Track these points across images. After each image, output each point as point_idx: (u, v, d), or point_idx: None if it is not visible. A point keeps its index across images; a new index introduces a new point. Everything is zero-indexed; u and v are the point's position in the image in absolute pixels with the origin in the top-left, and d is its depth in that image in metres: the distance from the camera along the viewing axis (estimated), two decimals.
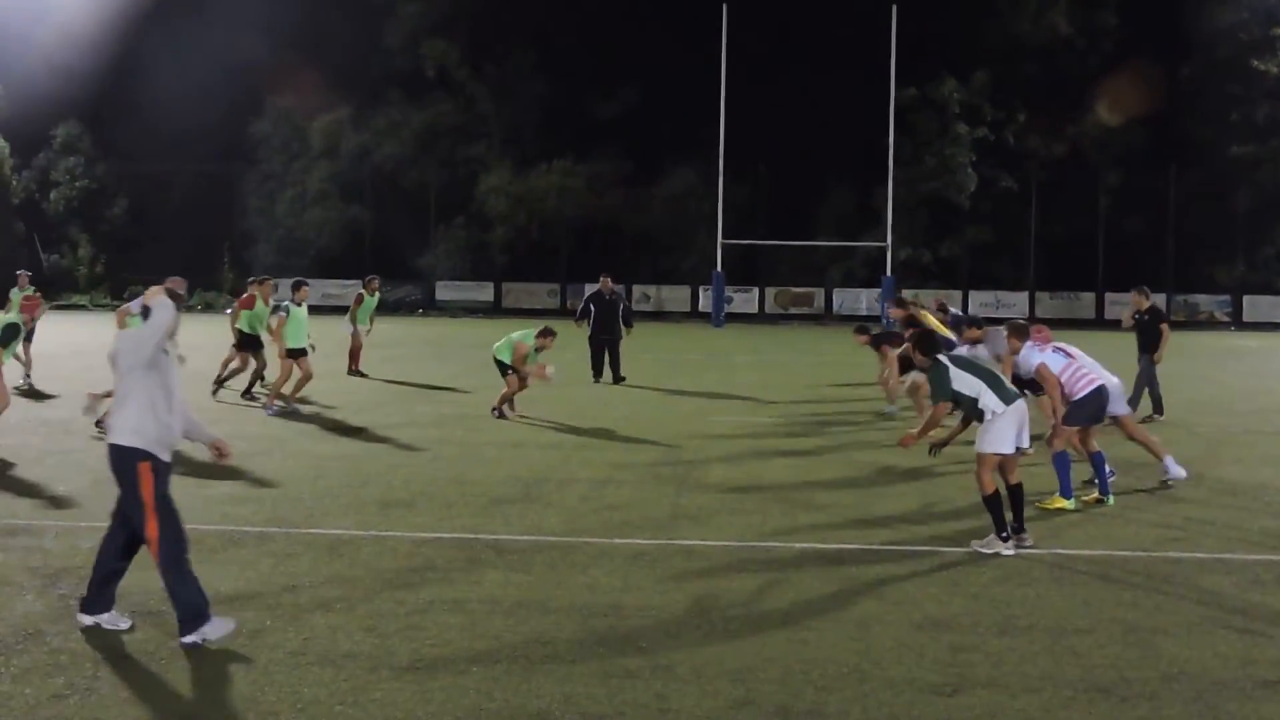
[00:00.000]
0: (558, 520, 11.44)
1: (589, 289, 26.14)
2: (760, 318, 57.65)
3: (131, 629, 7.81)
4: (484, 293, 62.51)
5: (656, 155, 62.37)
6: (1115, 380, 13.12)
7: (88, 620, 7.83)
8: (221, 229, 65.79)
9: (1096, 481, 12.67)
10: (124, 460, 7.63)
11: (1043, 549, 10.47)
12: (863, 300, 57.12)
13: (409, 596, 8.73)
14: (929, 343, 11.27)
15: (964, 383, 10.65)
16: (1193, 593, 9.18)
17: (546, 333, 18.89)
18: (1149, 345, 19.94)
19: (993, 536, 10.46)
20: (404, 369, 25.63)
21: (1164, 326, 19.98)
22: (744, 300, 58.60)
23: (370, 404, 20.52)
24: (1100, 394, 12.61)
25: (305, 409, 19.78)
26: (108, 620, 7.82)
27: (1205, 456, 16.06)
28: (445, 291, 62.61)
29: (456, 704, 6.73)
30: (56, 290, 63.48)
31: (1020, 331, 13.18)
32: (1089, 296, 61.39)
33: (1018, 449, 10.73)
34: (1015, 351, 13.07)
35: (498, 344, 19.19)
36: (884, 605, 8.70)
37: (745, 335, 45.00)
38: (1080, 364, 12.72)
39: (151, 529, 7.56)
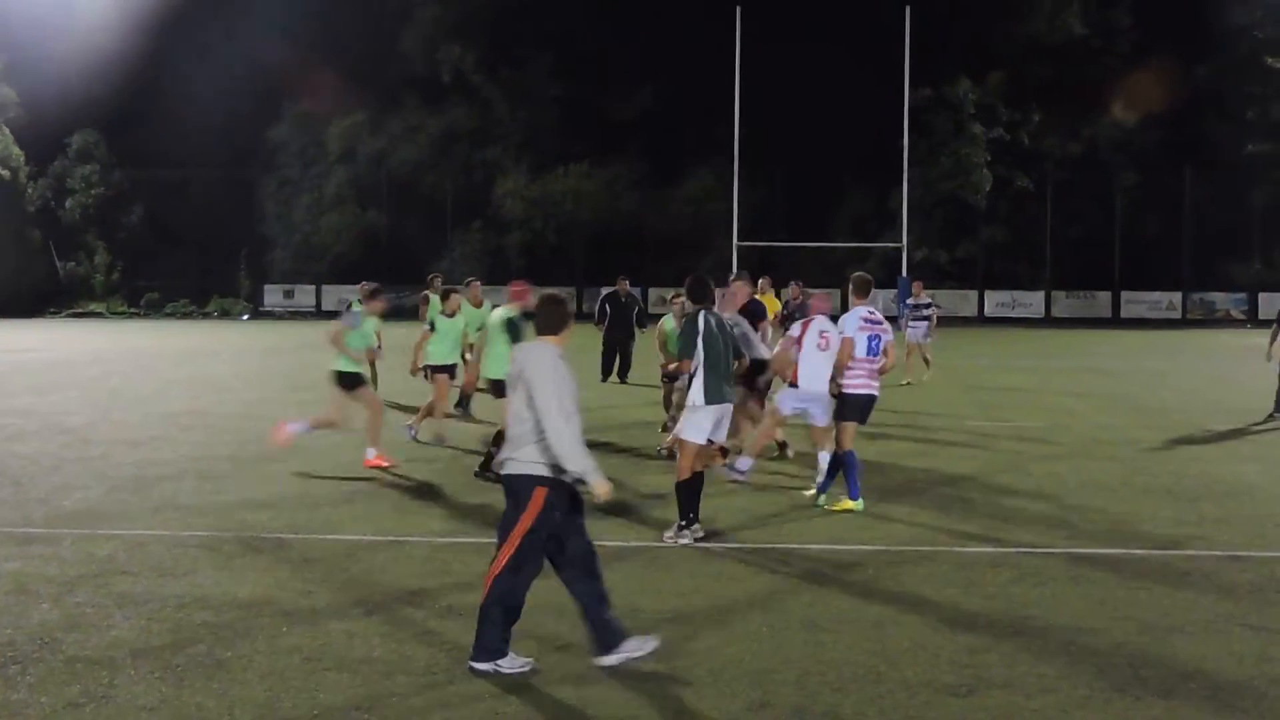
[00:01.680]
0: None
1: (605, 291, 26.42)
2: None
3: (654, 652, 7.39)
4: (501, 297, 62.37)
5: (673, 158, 62.43)
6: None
7: (611, 660, 7.32)
8: (238, 235, 66.03)
9: (819, 482, 12.38)
10: (524, 485, 7.29)
11: (1058, 548, 10.46)
12: (879, 300, 57.10)
13: (426, 602, 8.75)
14: (697, 289, 11.12)
15: (697, 355, 10.68)
16: (1208, 591, 9.16)
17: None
18: None
19: (677, 526, 10.51)
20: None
21: None
22: None
23: (386, 409, 20.51)
24: (874, 401, 12.22)
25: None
26: (634, 646, 7.36)
27: (1221, 455, 16.04)
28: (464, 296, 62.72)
29: (473, 709, 6.74)
30: (73, 298, 63.83)
31: (860, 288, 12.43)
32: (1105, 296, 61.27)
33: (709, 440, 10.77)
34: (852, 307, 12.33)
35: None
36: (900, 607, 8.69)
37: None
38: (874, 365, 12.13)
39: (505, 555, 7.26)
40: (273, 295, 64.81)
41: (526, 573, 7.32)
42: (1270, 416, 19.56)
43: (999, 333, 50.15)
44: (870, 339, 12.08)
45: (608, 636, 7.36)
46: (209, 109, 61.04)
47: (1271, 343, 20.33)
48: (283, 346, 38.64)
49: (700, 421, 10.66)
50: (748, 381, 14.34)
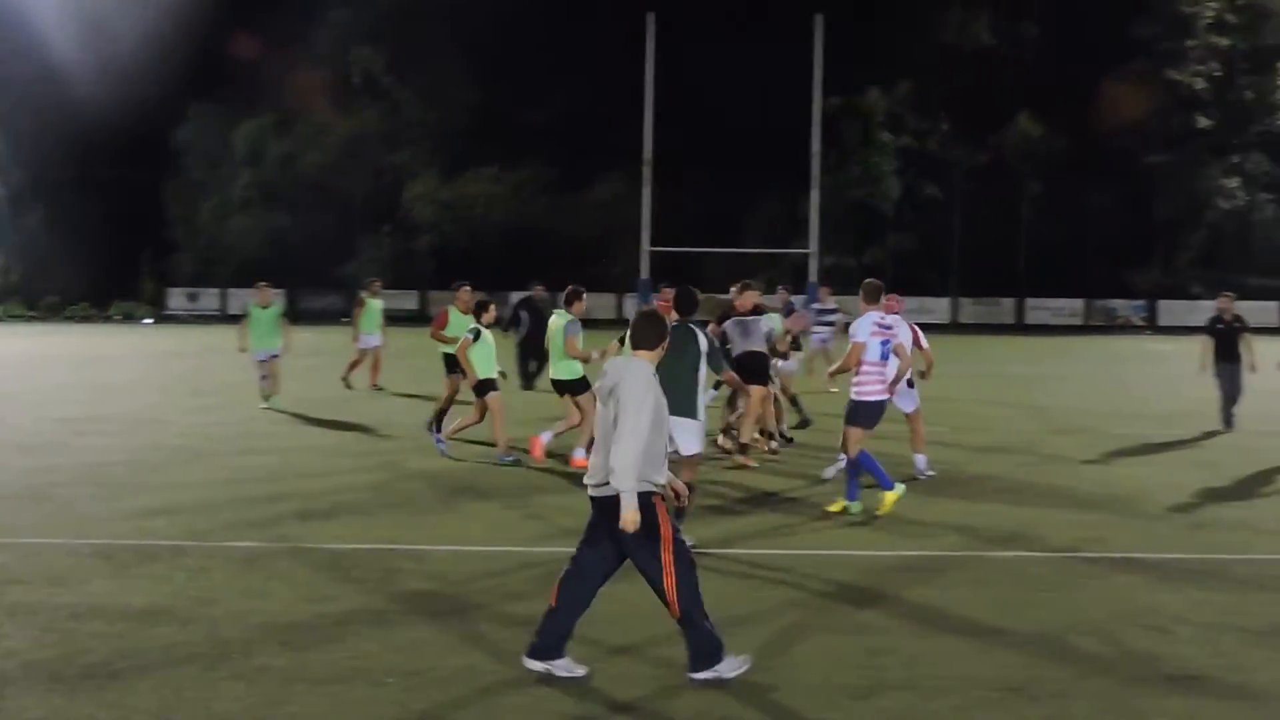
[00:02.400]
0: (480, 530, 11.40)
1: (514, 297, 26.04)
2: None
3: (588, 676, 7.20)
4: (409, 301, 62.02)
5: (584, 162, 62.43)
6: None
7: (538, 666, 7.21)
8: (141, 238, 64.93)
9: (847, 483, 12.39)
10: (645, 504, 7.10)
11: (960, 551, 10.59)
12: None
13: (326, 609, 8.65)
14: (684, 302, 11.18)
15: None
16: (1104, 592, 9.31)
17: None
18: (1234, 353, 19.44)
19: None
20: (326, 378, 25.43)
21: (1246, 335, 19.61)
22: None
23: (290, 415, 20.30)
24: (884, 407, 12.37)
25: (228, 420, 19.56)
26: (563, 666, 7.22)
27: (1120, 459, 16.33)
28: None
29: (373, 715, 6.68)
30: None
31: (870, 294, 12.47)
32: (1009, 302, 62.21)
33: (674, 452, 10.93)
34: (862, 313, 12.41)
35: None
36: (802, 610, 8.73)
37: None
38: (885, 370, 12.28)
39: (670, 569, 7.12)
40: (177, 299, 63.83)
41: (690, 569, 7.22)
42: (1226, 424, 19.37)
43: None
44: (883, 344, 12.25)
45: (551, 647, 7.25)
46: (111, 109, 59.96)
47: (1203, 356, 19.84)
48: (185, 350, 38.09)
49: None
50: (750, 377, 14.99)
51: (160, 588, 9.18)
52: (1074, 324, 60.40)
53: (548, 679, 7.15)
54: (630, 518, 7.00)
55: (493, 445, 15.70)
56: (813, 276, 52.53)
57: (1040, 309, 61.79)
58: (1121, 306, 61.60)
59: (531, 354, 24.49)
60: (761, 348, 15.64)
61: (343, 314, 59.50)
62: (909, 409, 14.51)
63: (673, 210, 58.64)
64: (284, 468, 14.90)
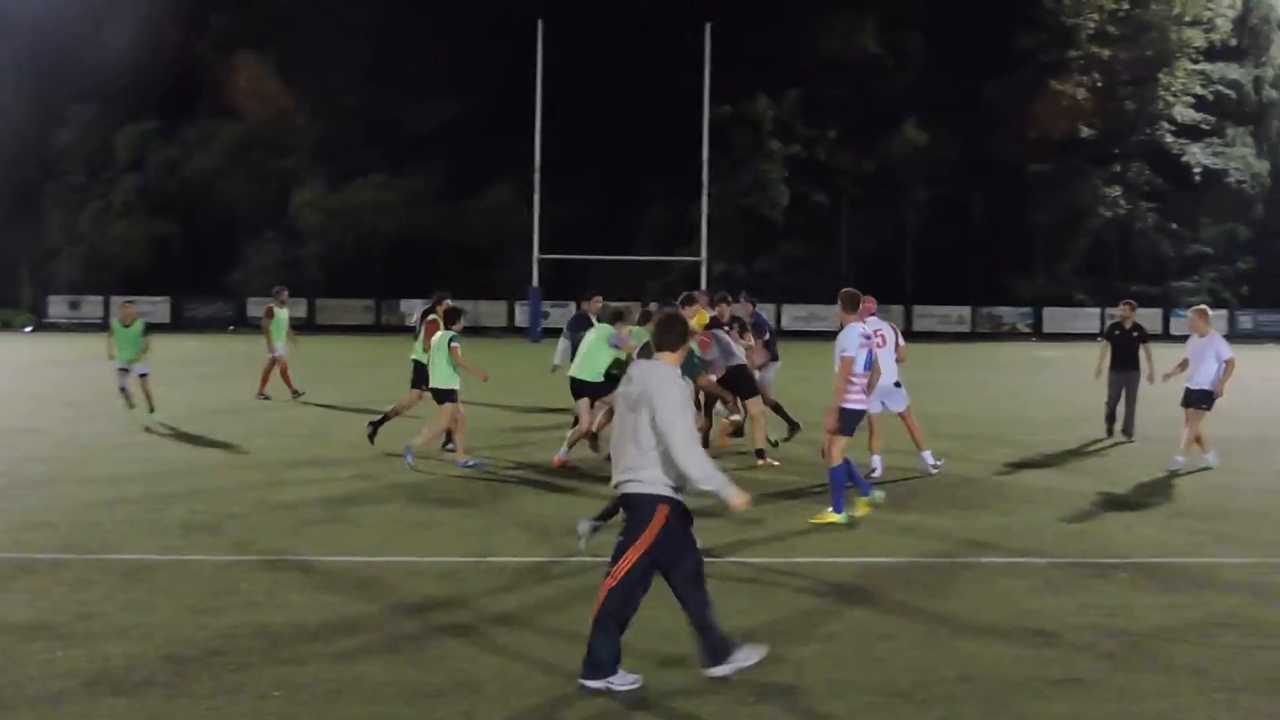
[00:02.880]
0: (368, 540, 11.27)
1: (404, 305, 25.81)
2: None
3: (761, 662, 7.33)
4: (297, 309, 61.00)
5: (474, 170, 62.06)
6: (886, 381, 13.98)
7: (723, 671, 7.26)
8: (21, 244, 63.36)
9: (855, 486, 12.50)
10: (647, 504, 7.16)
11: (848, 557, 10.69)
12: None
13: (211, 622, 8.50)
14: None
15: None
16: (989, 597, 9.45)
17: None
18: (1130, 362, 19.38)
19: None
20: (213, 387, 25.01)
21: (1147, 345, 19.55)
22: (561, 315, 58.45)
23: (174, 424, 19.90)
24: (863, 415, 12.54)
25: (108, 430, 19.14)
26: (744, 656, 7.30)
27: (1006, 465, 16.58)
28: (257, 308, 61.25)
29: None
30: None
31: (849, 304, 12.46)
32: (897, 309, 62.97)
33: None
34: (843, 324, 12.28)
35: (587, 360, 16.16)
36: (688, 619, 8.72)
37: None
38: (865, 380, 12.38)
39: (623, 569, 7.14)
40: (58, 306, 62.33)
41: (641, 587, 7.28)
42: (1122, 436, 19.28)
43: (796, 345, 50.84)
44: (868, 354, 12.35)
45: (717, 646, 7.30)
46: None
47: (1100, 361, 19.98)
48: (64, 359, 37.18)
49: None
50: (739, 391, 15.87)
51: (38, 602, 8.96)
52: (961, 331, 61.35)
53: (438, 691, 7.12)
54: (737, 502, 7.15)
55: (432, 455, 15.57)
56: (703, 284, 52.86)
57: (927, 316, 62.63)
58: (1008, 314, 62.76)
59: None
60: (740, 359, 15.96)
61: (229, 322, 58.75)
62: (900, 408, 15.18)
63: (563, 217, 58.67)
64: (166, 478, 14.60)
